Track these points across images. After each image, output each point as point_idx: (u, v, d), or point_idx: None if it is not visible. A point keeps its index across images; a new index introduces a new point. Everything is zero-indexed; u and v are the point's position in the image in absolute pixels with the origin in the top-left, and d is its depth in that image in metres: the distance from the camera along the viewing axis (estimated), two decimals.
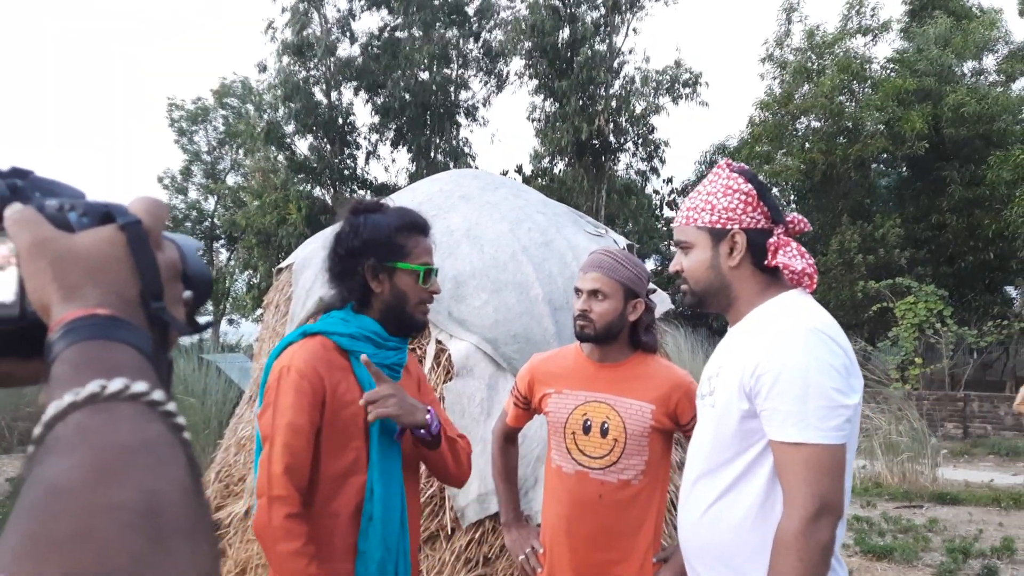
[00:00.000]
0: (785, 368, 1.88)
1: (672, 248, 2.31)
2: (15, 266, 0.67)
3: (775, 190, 26.66)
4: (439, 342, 3.92)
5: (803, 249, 2.09)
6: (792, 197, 25.89)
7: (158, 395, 0.58)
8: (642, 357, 2.74)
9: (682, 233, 2.16)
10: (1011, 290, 23.83)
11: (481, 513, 3.61)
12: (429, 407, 2.29)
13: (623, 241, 4.83)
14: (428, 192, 4.69)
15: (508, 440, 2.97)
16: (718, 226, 2.08)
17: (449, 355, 3.87)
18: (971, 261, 22.05)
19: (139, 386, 0.57)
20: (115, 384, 0.56)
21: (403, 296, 2.27)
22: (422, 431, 2.25)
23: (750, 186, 2.09)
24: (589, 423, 2.66)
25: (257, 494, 2.14)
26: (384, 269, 2.26)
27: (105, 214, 0.70)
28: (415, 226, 2.32)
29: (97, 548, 0.47)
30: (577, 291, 2.70)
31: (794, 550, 1.81)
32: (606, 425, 2.63)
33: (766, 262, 2.08)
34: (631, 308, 2.67)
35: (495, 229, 4.23)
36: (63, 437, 0.54)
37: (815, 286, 2.10)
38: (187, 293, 0.75)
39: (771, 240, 2.08)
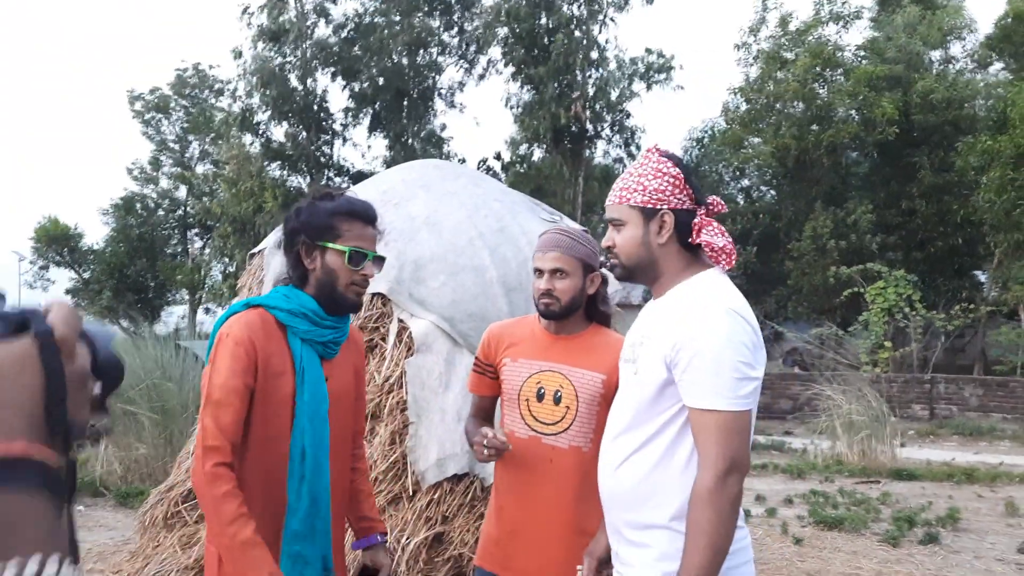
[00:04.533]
0: (702, 344, 2.11)
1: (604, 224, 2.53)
2: None
3: (755, 174, 27.05)
4: (401, 321, 4.23)
5: (723, 229, 2.31)
6: (767, 177, 26.19)
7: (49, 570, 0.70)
8: (597, 329, 2.91)
9: (615, 211, 2.34)
10: (980, 274, 24.29)
11: (440, 476, 3.92)
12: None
13: (577, 227, 5.12)
14: (391, 182, 4.98)
15: (480, 419, 3.05)
16: (649, 206, 2.27)
17: (410, 332, 4.18)
18: (940, 246, 22.43)
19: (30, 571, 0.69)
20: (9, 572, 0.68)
21: (333, 275, 2.44)
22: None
23: (677, 170, 2.28)
24: (543, 391, 2.81)
25: (195, 446, 2.36)
26: (316, 248, 2.46)
27: (21, 322, 0.79)
28: (354, 212, 2.48)
29: None
30: (538, 271, 2.81)
31: (709, 503, 2.06)
32: (559, 393, 2.79)
33: (690, 240, 2.28)
34: (589, 282, 2.83)
35: (454, 216, 4.54)
36: None
37: (733, 264, 2.30)
38: (96, 389, 0.86)
39: (695, 220, 2.28)
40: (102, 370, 0.84)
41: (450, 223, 4.49)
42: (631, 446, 2.29)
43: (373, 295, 4.31)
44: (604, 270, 2.91)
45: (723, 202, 2.36)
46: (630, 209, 2.31)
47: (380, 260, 2.56)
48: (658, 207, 2.27)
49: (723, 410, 2.09)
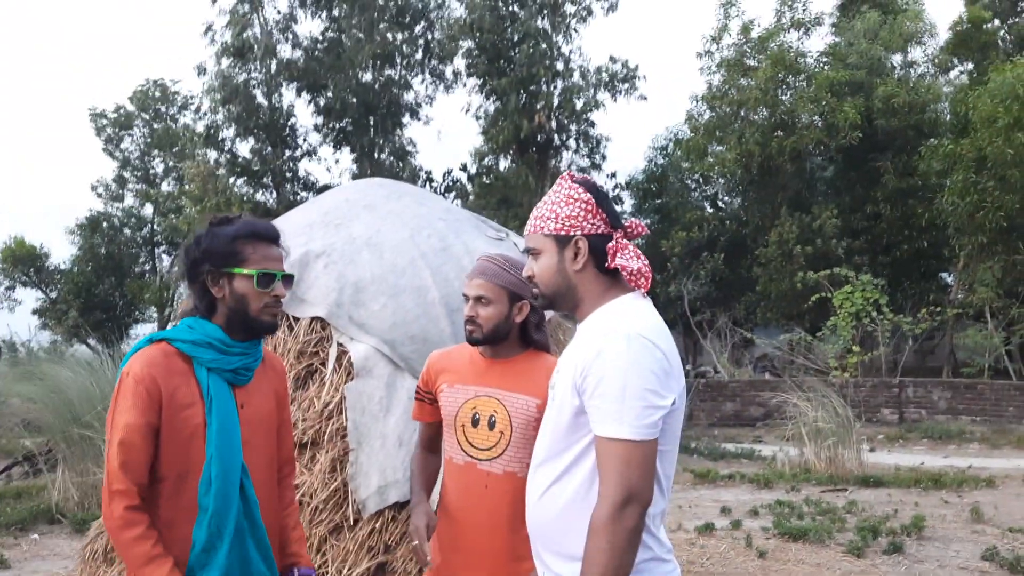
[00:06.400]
0: (608, 370, 2.07)
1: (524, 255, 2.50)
2: None
3: (720, 182, 27.14)
4: (340, 345, 4.13)
5: (639, 251, 2.28)
6: (733, 184, 26.26)
7: None
8: (534, 354, 2.91)
9: (531, 240, 2.33)
10: (946, 276, 24.46)
11: (381, 504, 3.83)
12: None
13: (514, 254, 5.04)
14: (335, 202, 4.89)
15: (427, 449, 3.07)
16: (562, 233, 2.24)
17: (350, 357, 4.08)
18: (906, 250, 22.52)
19: None
20: None
21: (243, 300, 2.41)
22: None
23: (589, 195, 2.25)
24: (478, 416, 2.81)
25: (102, 489, 2.31)
26: (222, 275, 2.41)
27: None
28: (255, 234, 2.45)
29: None
30: (465, 297, 2.87)
31: (603, 534, 2.01)
32: (493, 418, 2.79)
33: (607, 264, 2.24)
34: (516, 310, 2.83)
35: (395, 236, 4.45)
36: None
37: (649, 286, 2.27)
38: None
39: (610, 244, 2.25)
40: None
41: (391, 243, 4.41)
42: (552, 475, 2.25)
43: (312, 319, 4.22)
44: None
45: (643, 224, 2.33)
46: (544, 237, 2.29)
47: (289, 279, 2.54)
48: (571, 233, 2.25)
49: (624, 439, 2.04)
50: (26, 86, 79.64)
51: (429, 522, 2.82)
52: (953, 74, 25.08)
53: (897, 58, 24.33)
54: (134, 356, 2.39)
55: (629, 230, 2.29)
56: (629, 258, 2.24)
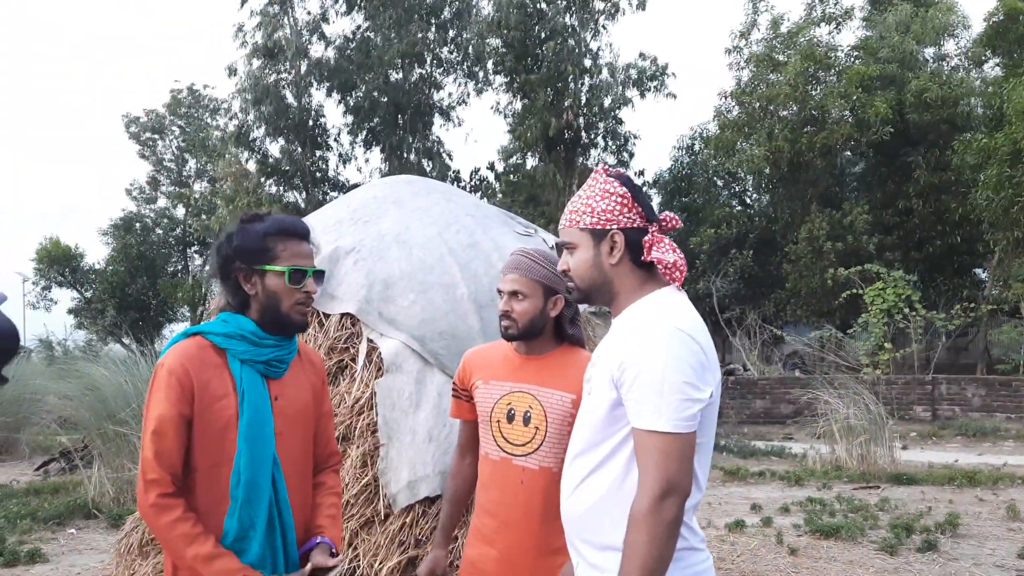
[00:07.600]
0: (646, 363, 2.08)
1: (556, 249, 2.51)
2: None
3: (749, 179, 26.98)
4: (370, 340, 4.16)
5: (674, 244, 2.30)
6: (763, 180, 26.10)
7: None
8: (568, 349, 2.91)
9: (566, 235, 2.34)
10: (980, 272, 24.15)
11: (412, 499, 3.85)
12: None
13: (553, 239, 5.04)
14: (363, 199, 4.92)
15: (464, 453, 3.08)
16: (598, 227, 2.25)
17: (379, 353, 4.11)
18: (939, 245, 22.30)
19: None
20: None
21: (275, 297, 2.43)
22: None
23: (624, 189, 2.27)
24: (513, 412, 2.82)
25: (138, 479, 2.35)
26: (254, 272, 2.44)
27: None
28: (285, 231, 2.47)
29: None
30: (499, 292, 2.87)
31: (643, 526, 2.02)
32: (528, 414, 2.80)
33: (642, 258, 2.26)
34: (551, 305, 2.83)
35: (424, 233, 4.48)
36: None
37: (683, 279, 2.28)
38: None
39: (646, 237, 2.26)
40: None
41: (420, 239, 4.44)
42: (587, 468, 2.27)
43: (342, 315, 4.26)
44: None
45: (676, 218, 2.33)
46: (580, 232, 2.30)
47: (320, 275, 2.55)
48: (607, 227, 2.26)
49: (663, 431, 2.05)
50: (25, 86, 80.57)
51: (435, 570, 2.99)
52: (987, 67, 24.76)
53: (930, 51, 24.06)
54: (170, 349, 2.43)
55: (663, 223, 2.30)
56: (665, 251, 2.25)
